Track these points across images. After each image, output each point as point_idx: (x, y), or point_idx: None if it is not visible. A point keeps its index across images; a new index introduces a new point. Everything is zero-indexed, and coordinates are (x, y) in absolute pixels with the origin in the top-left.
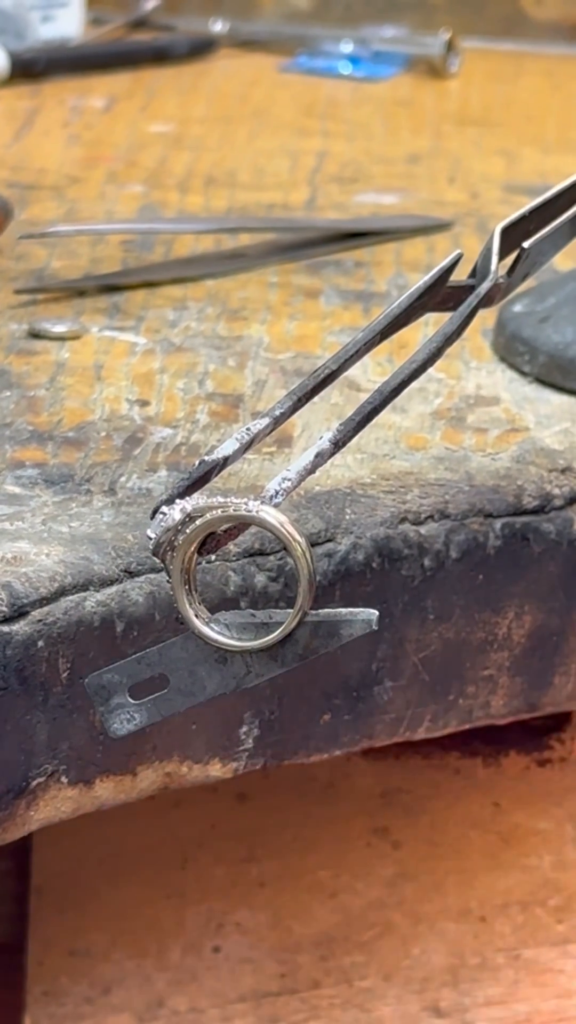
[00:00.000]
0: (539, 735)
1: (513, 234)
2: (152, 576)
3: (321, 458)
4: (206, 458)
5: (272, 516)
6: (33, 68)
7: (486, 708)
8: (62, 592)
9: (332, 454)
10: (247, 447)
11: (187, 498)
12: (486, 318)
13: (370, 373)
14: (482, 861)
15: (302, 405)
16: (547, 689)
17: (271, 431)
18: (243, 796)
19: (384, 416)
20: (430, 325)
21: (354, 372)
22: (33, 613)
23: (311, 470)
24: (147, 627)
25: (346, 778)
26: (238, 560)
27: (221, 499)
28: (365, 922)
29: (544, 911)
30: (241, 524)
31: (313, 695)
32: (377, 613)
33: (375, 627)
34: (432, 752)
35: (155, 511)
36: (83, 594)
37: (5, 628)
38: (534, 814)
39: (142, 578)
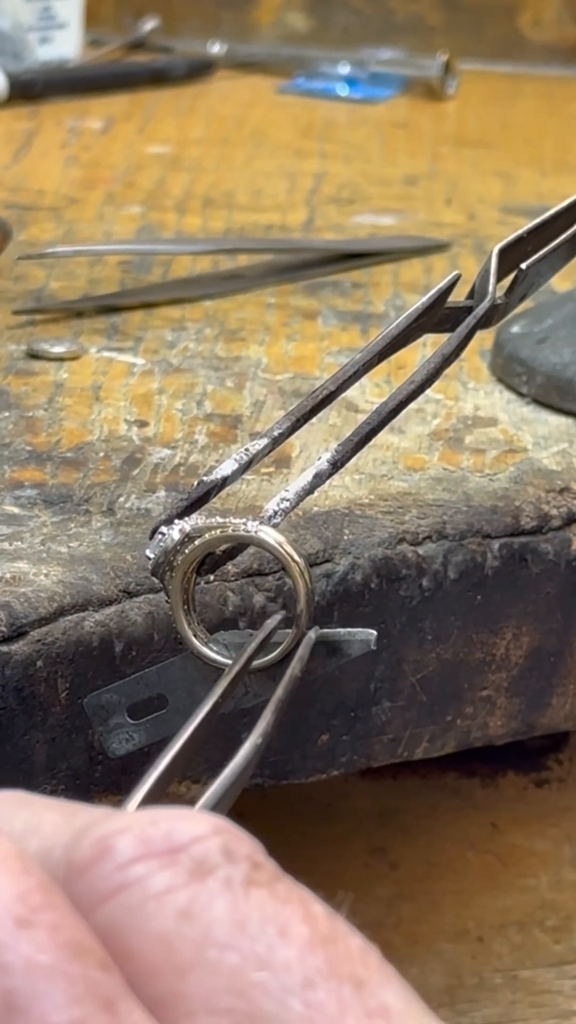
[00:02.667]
0: (537, 755)
1: (511, 255)
2: (151, 596)
3: (319, 479)
4: (204, 479)
5: (270, 536)
6: (31, 89)
7: (484, 729)
8: (61, 612)
9: (330, 475)
10: (246, 468)
11: (186, 518)
12: (484, 339)
13: (368, 394)
14: (479, 881)
15: (300, 426)
16: (545, 710)
17: (269, 452)
18: (241, 816)
19: (382, 437)
20: (428, 346)
21: (352, 393)
22: (32, 633)
23: (309, 490)
24: (146, 647)
25: (344, 798)
26: (236, 580)
27: (220, 519)
28: None
29: (541, 931)
30: (240, 544)
31: (311, 715)
32: (376, 633)
33: (374, 647)
34: (430, 772)
35: (154, 531)
36: (82, 614)
37: (4, 648)
38: (531, 834)
39: (141, 598)
